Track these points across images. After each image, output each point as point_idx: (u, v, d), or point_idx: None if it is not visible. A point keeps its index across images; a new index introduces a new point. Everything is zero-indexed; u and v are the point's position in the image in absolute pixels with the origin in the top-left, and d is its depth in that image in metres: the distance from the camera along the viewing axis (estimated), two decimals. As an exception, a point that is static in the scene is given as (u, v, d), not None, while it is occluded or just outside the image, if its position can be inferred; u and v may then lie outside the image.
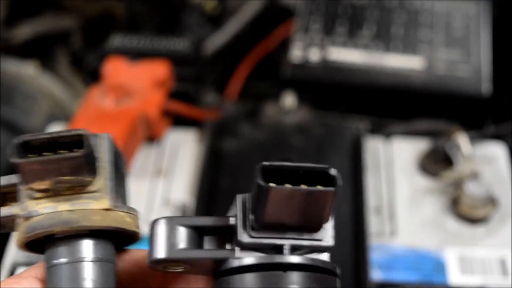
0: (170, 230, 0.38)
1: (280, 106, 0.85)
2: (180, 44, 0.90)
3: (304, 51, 0.89)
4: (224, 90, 0.94)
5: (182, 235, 0.38)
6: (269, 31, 0.98)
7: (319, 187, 0.36)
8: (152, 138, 0.81)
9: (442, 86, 0.86)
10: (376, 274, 0.69)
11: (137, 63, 0.84)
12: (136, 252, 0.41)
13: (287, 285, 0.36)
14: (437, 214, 0.75)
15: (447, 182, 0.77)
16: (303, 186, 0.36)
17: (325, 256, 0.38)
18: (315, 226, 0.38)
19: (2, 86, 0.90)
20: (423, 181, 0.78)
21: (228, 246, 0.39)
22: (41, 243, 0.40)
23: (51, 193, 0.39)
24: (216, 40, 0.98)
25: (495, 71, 0.87)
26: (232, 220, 0.38)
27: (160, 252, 0.38)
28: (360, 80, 0.87)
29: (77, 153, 0.37)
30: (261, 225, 0.37)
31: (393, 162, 0.80)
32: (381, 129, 0.84)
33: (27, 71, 0.94)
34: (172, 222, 0.38)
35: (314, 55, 0.88)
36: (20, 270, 0.42)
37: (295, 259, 0.37)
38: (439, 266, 0.70)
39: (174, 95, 0.84)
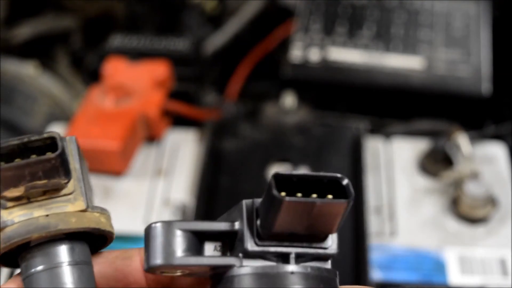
0: (168, 234, 0.37)
1: (280, 106, 0.85)
2: (180, 44, 0.90)
3: (304, 51, 0.89)
4: (224, 90, 0.94)
5: (181, 240, 0.37)
6: (269, 31, 0.98)
7: (334, 199, 0.35)
8: (152, 138, 0.81)
9: (442, 86, 0.86)
10: (376, 274, 0.69)
11: (137, 63, 0.84)
12: (109, 254, 0.40)
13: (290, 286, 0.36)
14: (437, 214, 0.75)
15: (447, 182, 0.77)
16: (315, 196, 0.35)
17: (328, 264, 0.38)
18: (322, 236, 0.37)
19: (2, 86, 0.90)
20: (423, 181, 0.78)
21: (228, 252, 0.38)
22: (12, 256, 0.39)
23: (24, 200, 0.38)
24: (216, 40, 0.98)
25: (495, 71, 0.87)
26: (236, 226, 0.37)
27: (158, 258, 0.37)
28: (360, 80, 0.87)
29: (53, 154, 0.36)
30: (268, 234, 0.36)
31: (393, 162, 0.80)
32: (381, 129, 0.84)
33: (27, 71, 0.94)
34: (170, 226, 0.37)
35: (314, 55, 0.88)
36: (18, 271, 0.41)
37: (301, 268, 0.36)
38: (439, 266, 0.70)
39: (174, 95, 0.84)
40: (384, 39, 0.90)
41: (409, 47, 0.89)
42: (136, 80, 0.82)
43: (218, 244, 0.38)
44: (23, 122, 0.89)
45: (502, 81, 0.88)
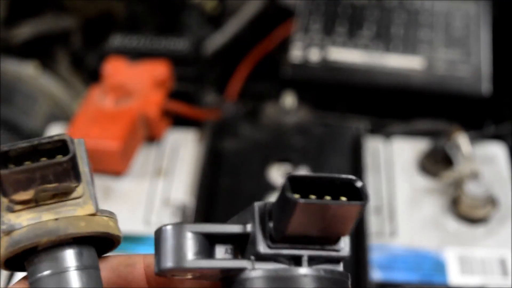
0: (179, 237, 0.36)
1: (280, 106, 0.85)
2: (180, 44, 0.90)
3: (304, 51, 0.89)
4: (224, 90, 0.94)
5: (192, 243, 0.36)
6: (269, 31, 0.98)
7: (349, 201, 0.35)
8: (152, 138, 0.81)
9: (442, 86, 0.86)
10: (376, 274, 0.69)
11: (137, 63, 0.84)
12: (113, 259, 0.40)
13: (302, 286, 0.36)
14: (437, 214, 0.75)
15: (447, 182, 0.77)
16: (328, 198, 0.35)
17: (340, 266, 0.37)
18: (335, 238, 0.37)
19: (2, 86, 0.90)
20: (423, 181, 0.78)
21: (240, 255, 0.37)
22: (19, 260, 0.38)
23: (32, 204, 0.37)
24: (216, 40, 0.98)
25: (495, 71, 0.87)
26: (249, 229, 0.37)
27: (169, 261, 0.36)
28: (360, 80, 0.87)
29: (65, 158, 0.36)
30: (281, 236, 0.36)
31: (393, 162, 0.80)
32: (381, 129, 0.84)
33: (27, 71, 0.94)
34: (181, 229, 0.36)
35: (314, 55, 0.88)
36: (19, 274, 0.41)
37: (313, 271, 0.36)
38: (439, 266, 0.70)
39: (174, 95, 0.84)
40: (384, 39, 0.90)
41: (409, 47, 0.89)
42: (136, 80, 0.82)
43: (229, 246, 0.38)
44: (23, 122, 0.89)
45: (502, 81, 0.88)
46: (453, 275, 0.70)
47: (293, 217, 0.34)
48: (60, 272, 0.37)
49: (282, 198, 0.34)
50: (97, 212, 0.38)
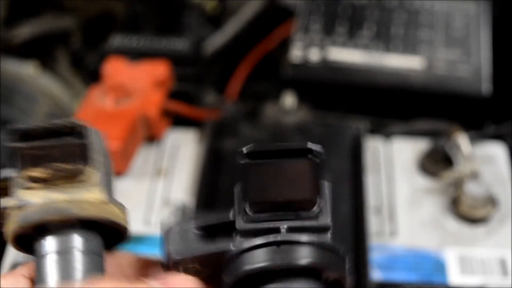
0: (182, 233, 0.40)
1: (280, 106, 0.85)
2: (180, 44, 0.90)
3: (304, 51, 0.89)
4: (224, 90, 0.94)
5: (193, 237, 0.40)
6: (269, 31, 0.98)
7: (295, 158, 0.38)
8: (152, 138, 0.81)
9: (442, 86, 0.86)
10: (376, 274, 0.69)
11: (137, 63, 0.84)
12: (122, 255, 0.41)
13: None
14: (437, 214, 0.75)
15: (447, 182, 0.77)
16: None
17: (326, 237, 0.39)
18: (305, 204, 0.39)
19: (2, 86, 0.90)
20: (423, 181, 0.78)
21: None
22: (29, 240, 0.39)
23: (45, 184, 0.39)
24: (216, 40, 0.98)
25: (495, 71, 0.87)
26: (231, 213, 0.39)
27: (172, 254, 0.39)
28: (360, 80, 0.87)
29: (80, 140, 0.38)
30: (254, 209, 0.38)
31: (393, 162, 0.80)
32: (381, 129, 0.84)
33: (27, 71, 0.94)
34: (182, 226, 0.40)
35: (314, 55, 0.88)
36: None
37: (288, 236, 0.38)
38: (439, 266, 0.70)
39: (174, 95, 0.84)
40: (384, 39, 0.90)
41: (409, 47, 0.89)
42: (136, 80, 0.82)
43: (229, 235, 0.40)
44: (23, 122, 0.89)
45: (502, 81, 0.88)
46: (453, 275, 0.70)
47: (251, 180, 0.38)
48: (64, 252, 0.38)
49: (239, 167, 0.38)
50: (108, 201, 0.39)
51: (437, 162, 0.78)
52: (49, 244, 0.39)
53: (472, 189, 0.73)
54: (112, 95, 0.79)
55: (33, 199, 0.38)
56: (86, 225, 0.39)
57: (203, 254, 0.39)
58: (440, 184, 0.77)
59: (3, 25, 1.01)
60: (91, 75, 0.91)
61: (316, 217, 0.39)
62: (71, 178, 0.39)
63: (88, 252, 0.39)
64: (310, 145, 0.38)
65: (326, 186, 0.39)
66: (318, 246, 0.38)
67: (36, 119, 0.90)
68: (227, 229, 0.40)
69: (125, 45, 0.89)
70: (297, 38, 0.90)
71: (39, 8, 1.05)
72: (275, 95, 0.88)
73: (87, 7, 1.06)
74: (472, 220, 0.74)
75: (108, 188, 0.40)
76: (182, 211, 0.75)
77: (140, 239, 0.70)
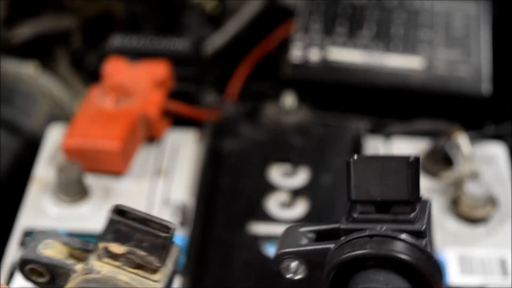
0: (293, 234, 0.44)
1: (280, 106, 0.85)
2: (180, 44, 0.90)
3: (304, 51, 0.89)
4: (224, 90, 0.94)
5: (305, 237, 0.44)
6: (269, 31, 0.98)
7: (400, 155, 0.42)
8: (152, 138, 0.81)
9: (442, 86, 0.86)
10: (376, 274, 0.69)
11: (137, 63, 0.84)
12: None
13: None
14: (437, 214, 0.75)
15: (447, 182, 0.77)
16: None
17: (421, 241, 0.41)
18: (404, 208, 0.42)
19: (2, 86, 0.90)
20: (423, 181, 0.78)
21: None
22: None
23: (117, 263, 0.41)
24: (216, 40, 0.98)
25: (495, 71, 0.87)
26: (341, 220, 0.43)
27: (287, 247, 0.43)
28: (360, 80, 0.87)
29: (164, 234, 0.40)
30: (356, 208, 0.42)
31: (393, 162, 0.80)
32: (381, 129, 0.84)
33: (27, 71, 0.94)
34: (295, 228, 0.45)
35: (314, 55, 0.88)
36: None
37: (386, 232, 0.40)
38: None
39: (174, 95, 0.84)
40: (384, 39, 0.90)
41: (409, 47, 0.89)
42: (136, 80, 0.82)
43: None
44: (23, 122, 0.89)
45: (502, 81, 0.88)
46: (453, 275, 0.70)
47: (354, 175, 0.42)
48: None
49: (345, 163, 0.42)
50: None
51: (437, 162, 0.78)
52: None
53: (472, 189, 0.73)
54: (112, 95, 0.79)
55: (101, 269, 0.41)
56: None
57: (307, 249, 0.42)
58: (440, 184, 0.77)
59: (3, 25, 1.01)
60: (91, 75, 0.91)
61: (412, 221, 0.41)
62: (141, 267, 0.41)
63: None
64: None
65: (428, 201, 0.44)
66: (416, 247, 0.40)
67: (36, 119, 0.90)
68: (337, 235, 0.43)
69: (125, 45, 0.90)
70: (297, 38, 0.90)
71: (39, 8, 1.05)
72: (275, 95, 0.88)
73: (87, 7, 1.06)
74: (472, 220, 0.74)
75: None
76: (182, 211, 0.75)
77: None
